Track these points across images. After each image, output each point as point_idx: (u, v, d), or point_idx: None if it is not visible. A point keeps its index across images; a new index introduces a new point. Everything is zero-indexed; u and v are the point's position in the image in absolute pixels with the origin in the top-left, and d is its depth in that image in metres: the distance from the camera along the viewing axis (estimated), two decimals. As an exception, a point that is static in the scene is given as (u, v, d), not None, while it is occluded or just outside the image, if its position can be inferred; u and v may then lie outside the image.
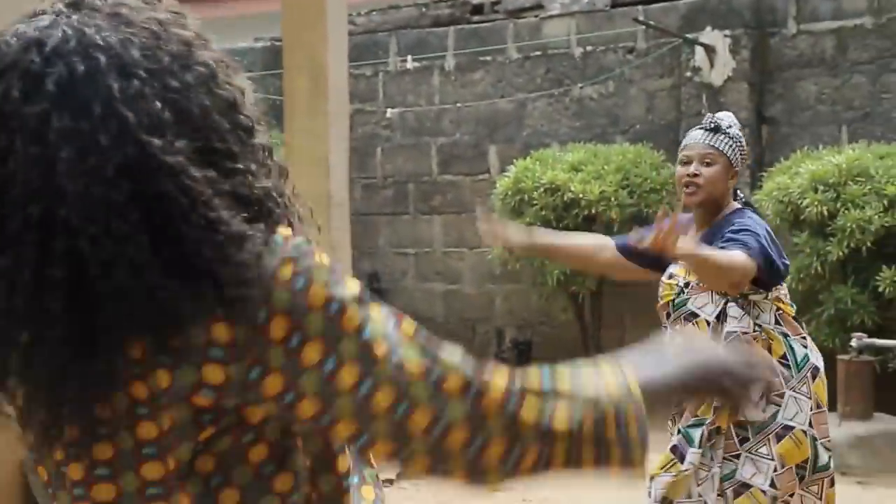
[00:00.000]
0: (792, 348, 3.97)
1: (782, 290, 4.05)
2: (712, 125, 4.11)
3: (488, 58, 11.34)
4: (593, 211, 9.50)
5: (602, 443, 1.40)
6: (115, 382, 1.29)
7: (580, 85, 10.83)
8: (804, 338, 4.07)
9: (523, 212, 9.76)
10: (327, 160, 7.36)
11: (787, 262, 4.09)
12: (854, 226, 8.27)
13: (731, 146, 4.07)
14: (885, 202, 8.32)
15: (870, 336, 8.25)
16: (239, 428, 1.36)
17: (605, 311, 10.21)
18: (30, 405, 1.32)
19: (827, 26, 9.81)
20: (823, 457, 3.99)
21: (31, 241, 1.24)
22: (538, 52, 11.11)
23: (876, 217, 8.26)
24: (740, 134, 4.15)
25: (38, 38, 1.27)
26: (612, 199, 9.47)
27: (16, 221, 1.24)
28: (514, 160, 10.27)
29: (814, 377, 4.01)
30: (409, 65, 11.29)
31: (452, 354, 1.38)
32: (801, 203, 8.51)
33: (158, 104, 1.27)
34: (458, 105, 11.44)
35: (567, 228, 9.57)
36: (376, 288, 11.57)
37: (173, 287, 1.26)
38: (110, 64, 1.26)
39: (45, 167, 1.23)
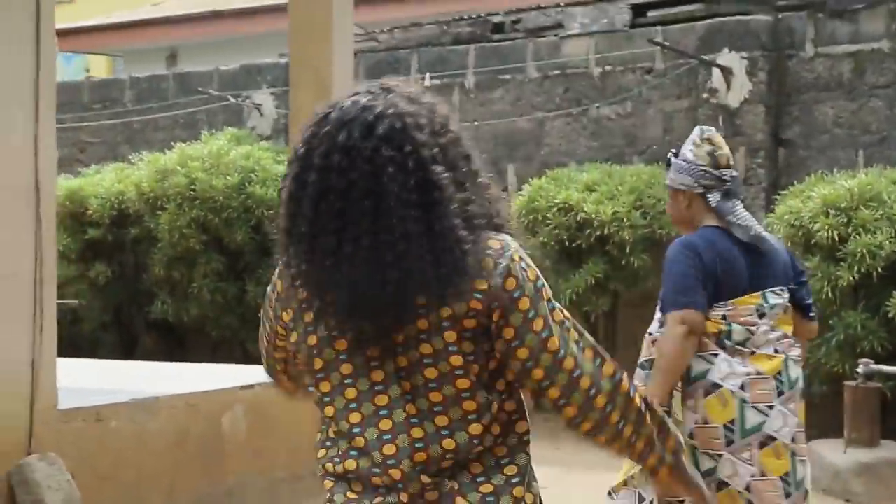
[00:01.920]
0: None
1: (716, 312, 4.01)
2: (668, 159, 4.27)
3: (508, 76, 11.36)
4: (606, 231, 9.49)
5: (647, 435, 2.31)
6: (409, 318, 2.12)
7: (597, 105, 10.83)
8: (714, 354, 3.99)
9: (537, 231, 9.77)
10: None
11: (698, 286, 4.00)
12: (865, 251, 8.21)
13: (674, 178, 4.17)
14: (897, 227, 8.27)
15: (880, 362, 8.18)
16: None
17: (620, 330, 10.18)
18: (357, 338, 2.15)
19: (845, 49, 9.77)
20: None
21: (367, 218, 2.08)
22: (557, 72, 11.13)
23: (887, 242, 8.20)
24: (692, 154, 4.12)
25: (370, 105, 2.14)
26: (625, 219, 9.47)
27: (357, 208, 2.08)
28: (531, 179, 10.28)
29: (706, 394, 3.98)
30: (428, 82, 11.32)
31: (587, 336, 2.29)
32: (813, 227, 8.47)
33: (436, 149, 2.14)
34: (477, 123, 11.46)
35: (580, 248, 9.61)
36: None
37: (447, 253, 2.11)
38: (412, 124, 2.13)
39: (374, 178, 2.08)
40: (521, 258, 2.17)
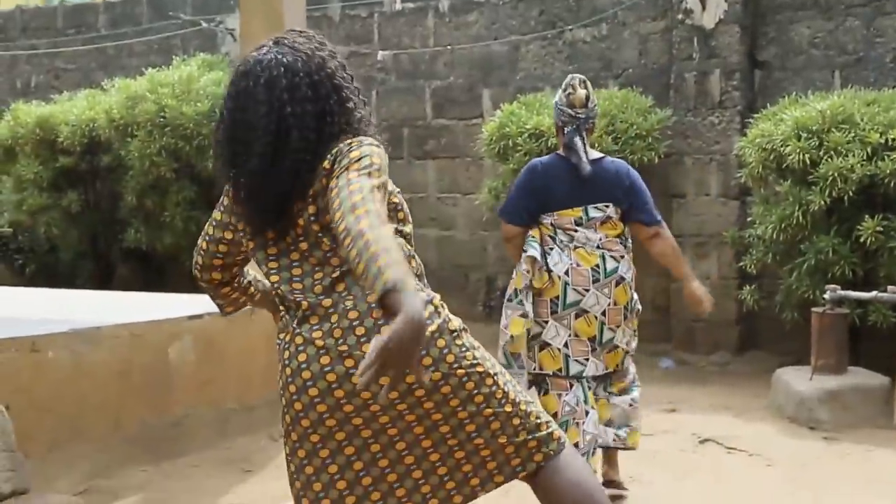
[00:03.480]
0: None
1: (546, 220, 5.30)
2: None
3: (482, -1, 11.14)
4: (577, 156, 9.30)
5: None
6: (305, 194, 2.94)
7: (571, 27, 10.60)
8: (551, 248, 5.29)
9: (508, 157, 9.60)
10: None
11: (520, 203, 5.34)
12: (836, 174, 8.02)
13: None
14: (869, 150, 8.06)
15: (853, 288, 8.03)
16: None
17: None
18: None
19: (822, -33, 9.52)
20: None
21: (273, 136, 2.88)
22: (532, -7, 10.89)
23: (858, 166, 8.01)
24: (557, 97, 5.41)
25: (260, 59, 2.95)
26: (596, 144, 9.26)
27: (266, 129, 2.86)
28: (504, 104, 10.08)
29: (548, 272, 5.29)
30: (399, 5, 11.09)
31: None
32: (784, 150, 8.28)
33: (306, 89, 2.90)
34: (452, 47, 11.25)
35: (550, 174, 9.44)
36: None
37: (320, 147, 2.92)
38: (287, 71, 2.91)
39: (265, 110, 2.88)
40: (357, 143, 2.87)
